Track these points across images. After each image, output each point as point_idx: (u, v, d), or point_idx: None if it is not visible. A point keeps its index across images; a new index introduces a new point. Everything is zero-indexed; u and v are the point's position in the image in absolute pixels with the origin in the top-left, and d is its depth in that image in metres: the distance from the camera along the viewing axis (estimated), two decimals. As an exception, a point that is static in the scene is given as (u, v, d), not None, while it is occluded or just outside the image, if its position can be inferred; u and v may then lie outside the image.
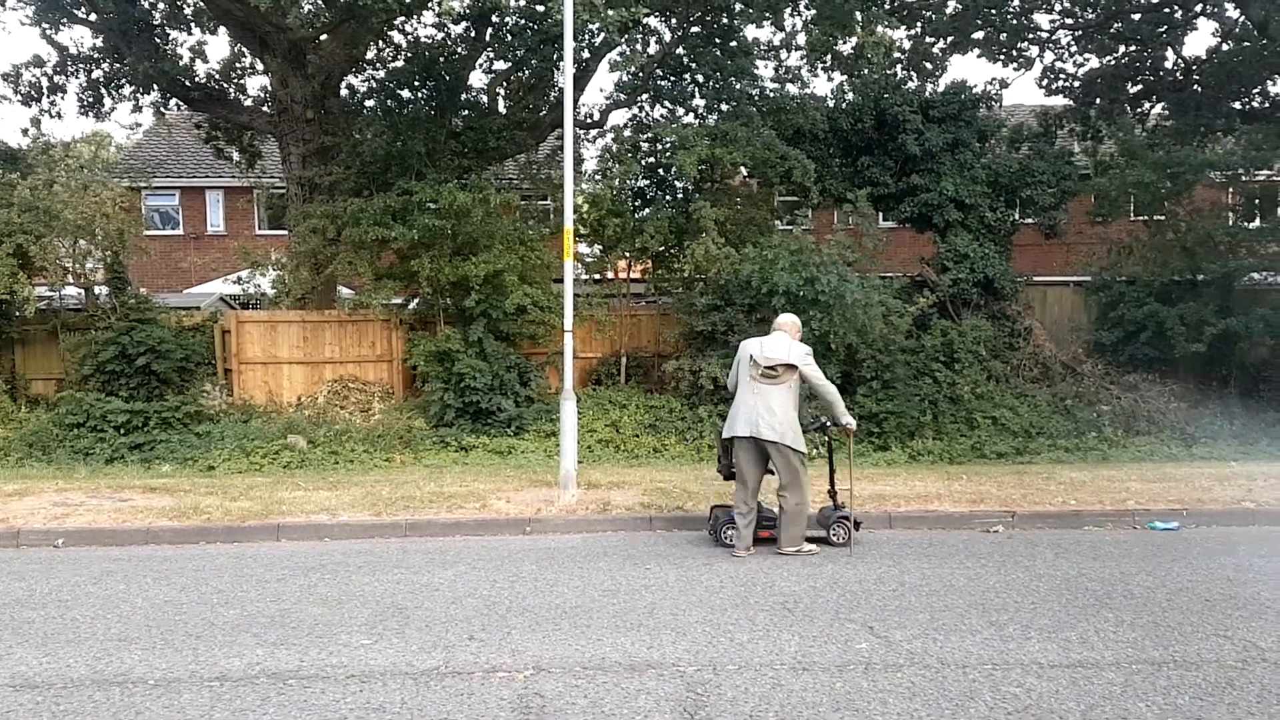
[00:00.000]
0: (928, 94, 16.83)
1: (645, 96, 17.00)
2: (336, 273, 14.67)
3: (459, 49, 15.63)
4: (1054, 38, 19.14)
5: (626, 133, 16.47)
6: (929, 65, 18.44)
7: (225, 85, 17.66)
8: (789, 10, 15.36)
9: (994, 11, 18.02)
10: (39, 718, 4.39)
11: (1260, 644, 5.22)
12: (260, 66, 16.80)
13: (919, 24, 18.10)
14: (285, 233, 17.55)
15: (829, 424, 7.85)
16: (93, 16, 15.35)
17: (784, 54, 16.39)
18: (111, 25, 15.34)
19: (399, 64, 16.54)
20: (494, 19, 14.80)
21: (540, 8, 13.74)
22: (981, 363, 14.17)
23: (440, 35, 16.23)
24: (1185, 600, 6.12)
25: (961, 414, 13.40)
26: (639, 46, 15.49)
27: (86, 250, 15.07)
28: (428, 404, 13.56)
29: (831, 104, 16.94)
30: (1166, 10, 17.67)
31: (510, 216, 15.03)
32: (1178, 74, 18.65)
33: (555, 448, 10.85)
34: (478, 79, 16.54)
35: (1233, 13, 17.45)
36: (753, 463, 7.60)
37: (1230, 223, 15.95)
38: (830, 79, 16.87)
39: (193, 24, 16.27)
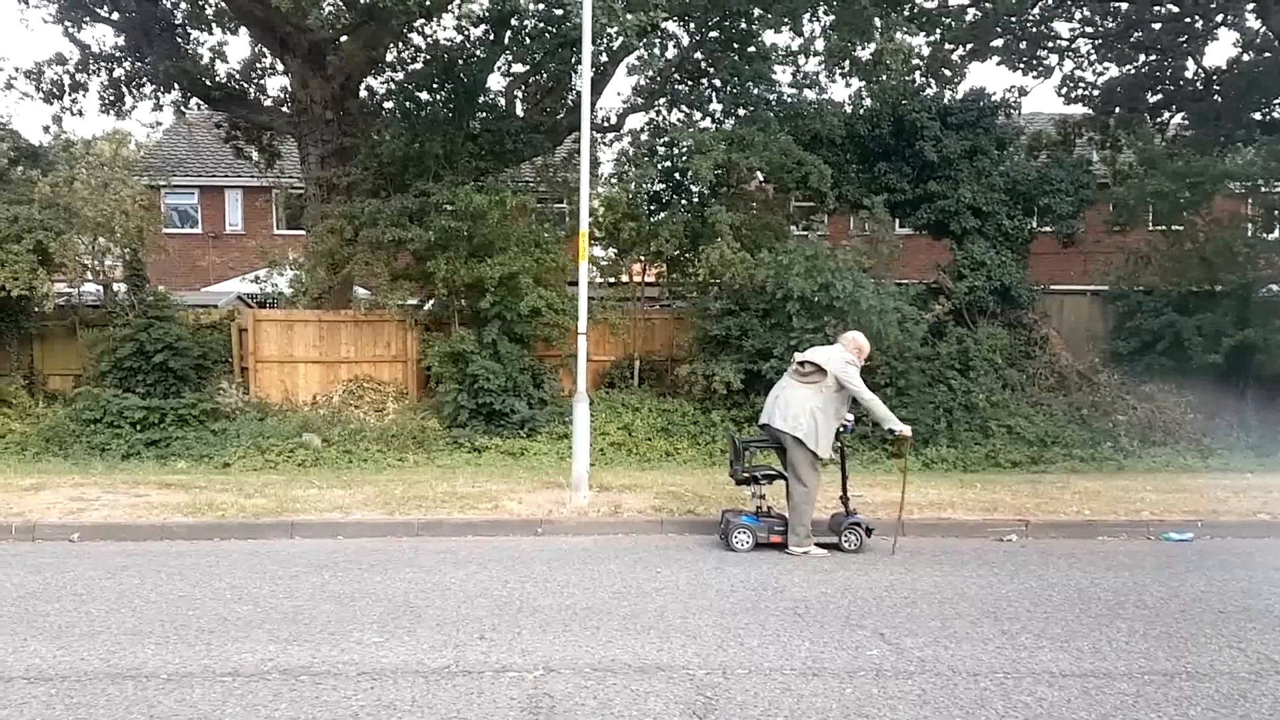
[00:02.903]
0: (946, 101, 16.79)
1: (662, 101, 17.01)
2: (353, 273, 14.72)
3: (478, 51, 15.68)
4: (1074, 46, 19.07)
5: (643, 136, 16.48)
6: (948, 72, 18.39)
7: (245, 85, 17.77)
8: (807, 16, 15.34)
9: (1014, 19, 17.97)
10: (53, 710, 4.43)
11: (1274, 656, 5.19)
12: (280, 67, 16.91)
13: (938, 31, 18.05)
14: (303, 232, 17.64)
15: (839, 429, 7.91)
16: (115, 15, 15.47)
17: (802, 59, 16.37)
18: (133, 24, 15.46)
19: (418, 66, 16.60)
20: (513, 22, 14.82)
21: (559, 11, 13.76)
22: (997, 371, 14.09)
23: (459, 38, 16.30)
24: (1198, 611, 6.09)
25: (976, 422, 13.34)
26: (657, 51, 15.46)
27: (105, 247, 15.16)
28: (441, 405, 13.59)
29: (849, 110, 16.92)
30: (1187, 20, 17.58)
31: (526, 219, 15.03)
32: (1198, 84, 18.55)
33: (568, 450, 10.86)
34: (496, 82, 16.61)
35: (1254, 23, 17.35)
36: (776, 450, 7.99)
37: (1249, 234, 15.82)
38: (848, 85, 16.99)
39: (214, 24, 16.36)
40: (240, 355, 14.76)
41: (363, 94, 16.49)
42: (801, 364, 7.85)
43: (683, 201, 15.47)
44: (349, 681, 4.75)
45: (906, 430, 7.80)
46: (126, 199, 14.64)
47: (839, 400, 7.75)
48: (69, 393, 14.26)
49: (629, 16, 11.85)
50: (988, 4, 17.82)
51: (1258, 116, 17.61)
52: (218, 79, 16.90)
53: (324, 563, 7.36)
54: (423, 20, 15.27)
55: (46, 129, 17.39)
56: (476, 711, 4.38)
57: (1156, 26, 17.95)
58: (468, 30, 15.79)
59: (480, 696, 4.56)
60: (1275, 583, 6.90)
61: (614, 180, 15.78)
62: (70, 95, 16.89)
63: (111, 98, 16.99)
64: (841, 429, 7.95)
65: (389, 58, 16.86)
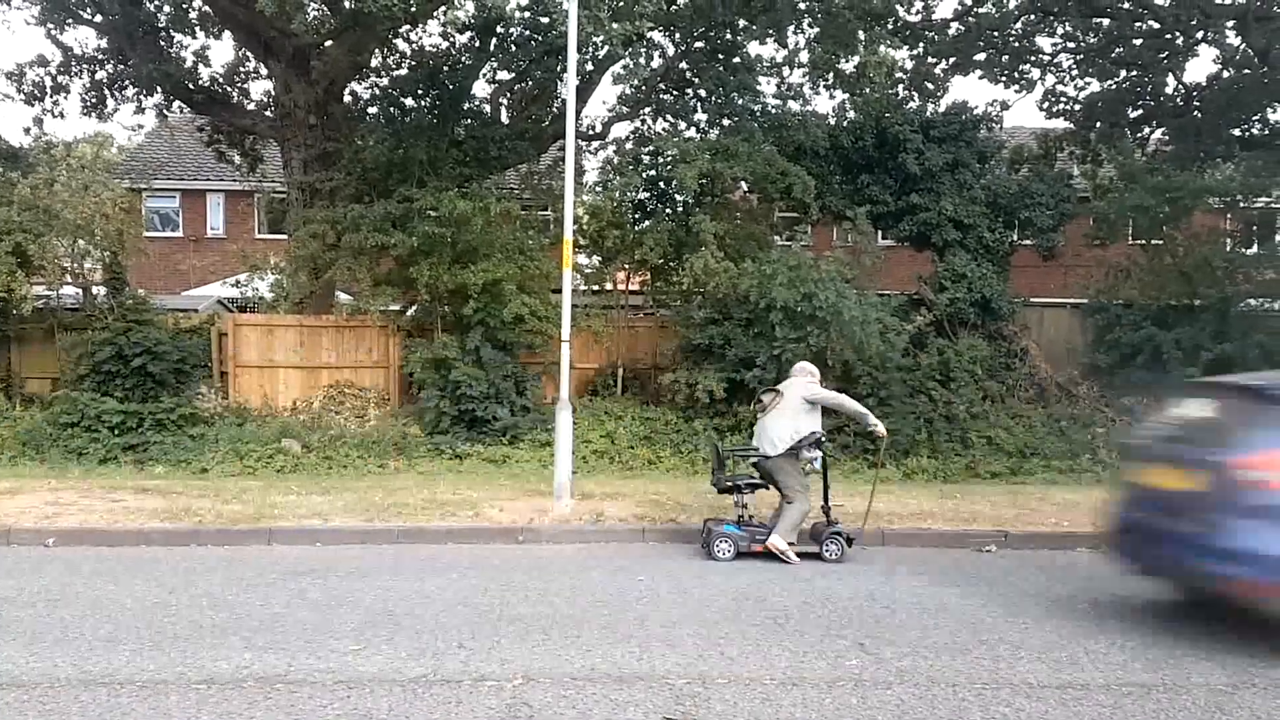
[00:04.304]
0: (929, 114, 16.89)
1: (647, 110, 17.04)
2: (335, 278, 14.65)
3: (463, 58, 15.66)
4: (1055, 61, 19.24)
5: (628, 145, 16.50)
6: (930, 85, 18.52)
7: (228, 89, 17.69)
8: (792, 28, 15.41)
9: (996, 34, 18.12)
10: (25, 717, 4.38)
11: (1251, 668, 5.23)
12: (264, 71, 16.85)
13: (921, 45, 18.18)
14: (285, 237, 17.53)
15: (822, 439, 8.00)
16: (98, 18, 15.36)
17: (786, 71, 16.44)
18: (116, 27, 15.36)
19: (403, 72, 16.58)
20: (499, 29, 14.83)
21: (545, 19, 13.77)
22: (977, 382, 14.16)
23: (445, 44, 16.29)
24: (1177, 624, 6.12)
25: (956, 433, 13.39)
26: (642, 60, 15.49)
27: (85, 250, 15.03)
28: (423, 411, 13.53)
29: (833, 121, 16.99)
30: (1168, 36, 17.76)
31: (510, 226, 15.01)
32: (1178, 100, 18.74)
33: (550, 457, 10.82)
34: (481, 89, 16.61)
35: (1234, 40, 17.54)
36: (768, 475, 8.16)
37: (1228, 249, 15.97)
38: (832, 97, 16.93)
39: (197, 28, 16.26)
40: (220, 360, 14.63)
41: (346, 99, 16.43)
42: (763, 395, 8.28)
43: (667, 210, 15.49)
44: (325, 690, 4.71)
45: (882, 429, 8.12)
46: (107, 202, 14.53)
47: (810, 417, 7.99)
48: (46, 396, 14.12)
49: (615, 26, 11.87)
50: (971, 18, 17.96)
51: (1237, 132, 17.79)
52: (201, 82, 16.80)
53: (302, 570, 7.31)
54: (408, 26, 15.24)
55: (27, 131, 17.28)
56: (454, 720, 4.35)
57: (1138, 42, 18.13)
58: (453, 37, 15.80)
59: (458, 706, 4.53)
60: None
61: (599, 188, 15.79)
62: (52, 97, 16.75)
63: (93, 100, 16.87)
64: (820, 440, 8.01)
65: (373, 63, 16.83)
